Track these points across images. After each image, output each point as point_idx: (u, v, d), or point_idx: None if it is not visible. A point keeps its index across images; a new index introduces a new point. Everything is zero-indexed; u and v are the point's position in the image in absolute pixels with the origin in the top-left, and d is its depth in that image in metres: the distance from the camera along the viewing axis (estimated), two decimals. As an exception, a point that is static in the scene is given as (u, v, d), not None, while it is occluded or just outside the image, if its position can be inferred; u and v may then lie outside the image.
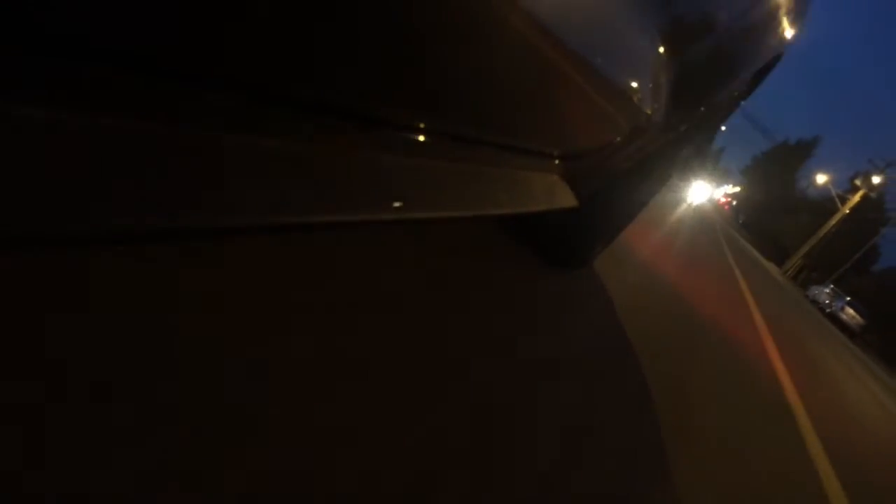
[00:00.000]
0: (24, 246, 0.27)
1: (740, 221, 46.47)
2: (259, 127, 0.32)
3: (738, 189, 53.61)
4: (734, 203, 52.59)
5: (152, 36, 0.23)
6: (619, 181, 1.12)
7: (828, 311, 19.42)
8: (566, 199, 0.89)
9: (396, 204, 0.45)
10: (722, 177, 59.95)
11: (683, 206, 8.06)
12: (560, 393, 0.84)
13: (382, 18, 0.32)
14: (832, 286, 21.41)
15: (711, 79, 0.99)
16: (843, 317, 19.15)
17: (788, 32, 1.14)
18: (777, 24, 1.06)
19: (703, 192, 17.54)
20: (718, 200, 46.61)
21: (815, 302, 20.26)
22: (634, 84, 0.72)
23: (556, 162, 0.82)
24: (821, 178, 32.26)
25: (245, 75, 0.29)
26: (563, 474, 0.67)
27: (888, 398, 6.06)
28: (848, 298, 19.93)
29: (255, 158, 0.32)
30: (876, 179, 28.33)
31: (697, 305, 2.39)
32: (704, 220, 11.14)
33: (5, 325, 0.36)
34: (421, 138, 0.49)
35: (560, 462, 0.69)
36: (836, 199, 30.00)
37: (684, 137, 1.16)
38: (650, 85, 0.77)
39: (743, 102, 1.45)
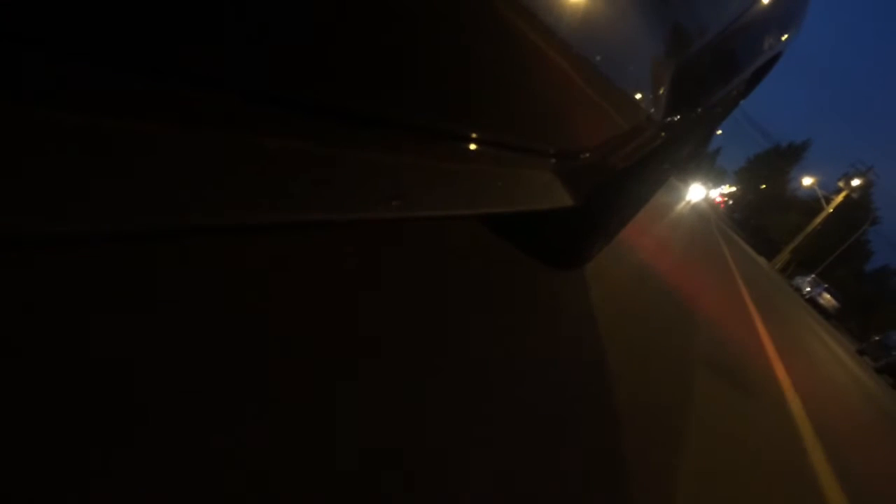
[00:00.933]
0: (24, 245, 0.27)
1: (735, 217, 47.79)
2: (259, 127, 0.32)
3: (733, 189, 54.20)
4: (730, 202, 53.37)
5: (152, 36, 0.23)
6: (617, 181, 1.09)
7: (808, 296, 21.33)
8: (563, 198, 0.88)
9: (394, 202, 0.45)
10: (718, 177, 60.42)
11: (681, 205, 8.39)
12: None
13: (381, 18, 0.31)
14: (814, 276, 23.66)
15: (711, 78, 0.97)
16: (821, 301, 21.25)
17: (787, 31, 1.11)
18: (776, 22, 1.04)
19: (699, 193, 18.10)
20: (714, 200, 47.38)
21: (798, 290, 21.82)
22: (633, 83, 0.71)
23: (554, 161, 0.81)
24: (807, 181, 32.68)
25: (245, 75, 0.29)
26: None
27: (838, 348, 9.69)
28: (825, 286, 22.12)
29: (255, 158, 0.32)
30: (856, 182, 28.74)
31: (697, 285, 2.88)
32: (702, 217, 11.63)
33: (9, 324, 0.36)
34: (419, 137, 0.48)
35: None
36: (822, 200, 30.29)
37: (683, 137, 1.14)
38: (649, 84, 0.76)
39: (742, 101, 1.42)
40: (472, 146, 0.58)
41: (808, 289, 21.95)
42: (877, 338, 14.18)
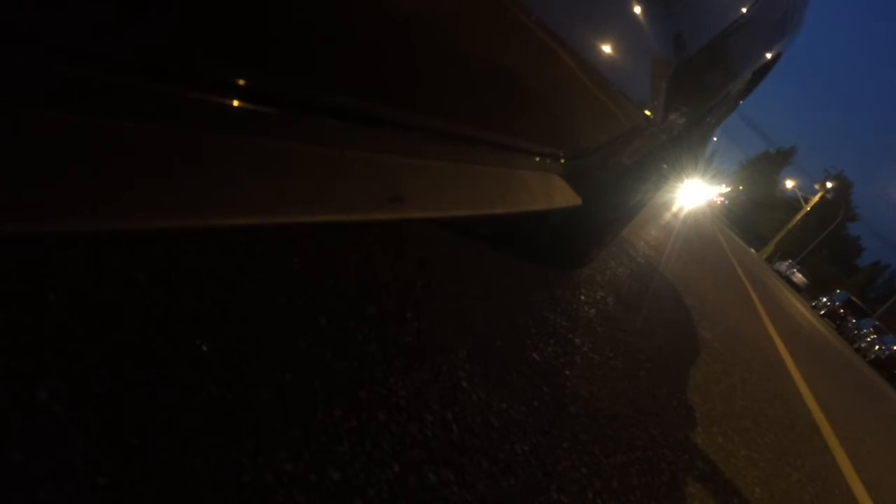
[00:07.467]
0: (25, 245, 0.28)
1: (730, 215, 53.55)
2: (258, 127, 0.31)
3: (728, 189, 60.46)
4: (726, 202, 59.28)
5: (153, 37, 0.23)
6: (618, 181, 1.10)
7: (784, 273, 27.39)
8: (568, 197, 0.86)
9: (396, 204, 0.43)
10: (715, 178, 66.30)
11: (680, 204, 9.87)
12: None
13: (382, 18, 0.31)
14: (790, 260, 29.88)
15: (710, 79, 0.97)
16: (794, 278, 27.31)
17: (786, 32, 1.11)
18: (774, 23, 1.04)
19: (698, 194, 18.13)
20: (714, 200, 53.07)
21: (778, 272, 27.84)
22: (634, 84, 0.70)
23: (555, 161, 0.81)
24: (789, 184, 39.06)
25: (245, 76, 0.28)
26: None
27: (799, 305, 15.00)
28: (797, 266, 28.32)
29: (255, 158, 0.31)
30: (828, 185, 35.32)
31: (705, 261, 4.98)
32: (701, 214, 14.07)
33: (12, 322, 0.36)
34: (421, 138, 0.48)
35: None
36: (801, 200, 36.51)
37: (682, 138, 1.12)
38: (650, 85, 0.75)
39: (742, 102, 1.41)
40: (477, 147, 0.58)
41: (785, 268, 28.08)
42: (825, 298, 21.11)
